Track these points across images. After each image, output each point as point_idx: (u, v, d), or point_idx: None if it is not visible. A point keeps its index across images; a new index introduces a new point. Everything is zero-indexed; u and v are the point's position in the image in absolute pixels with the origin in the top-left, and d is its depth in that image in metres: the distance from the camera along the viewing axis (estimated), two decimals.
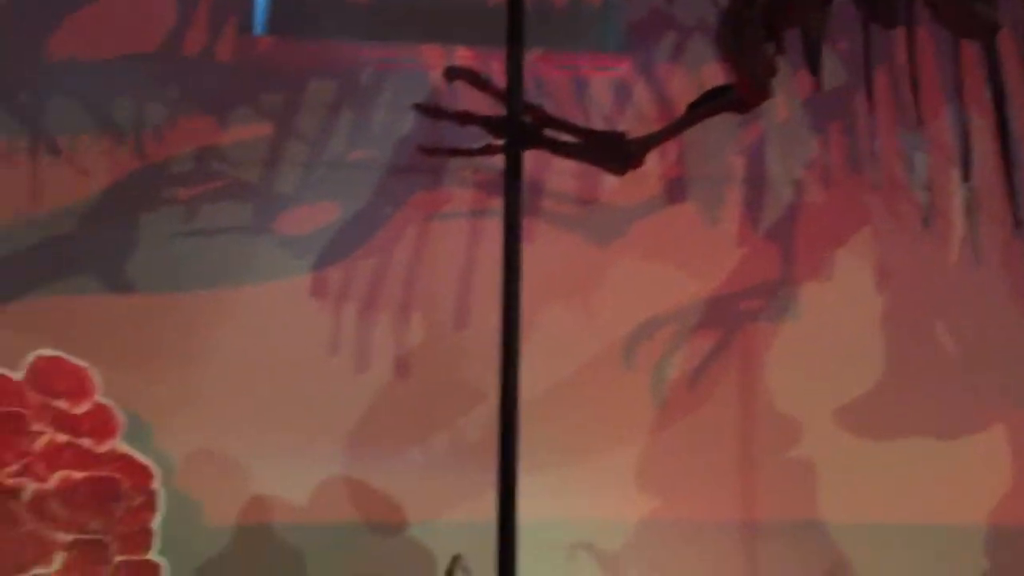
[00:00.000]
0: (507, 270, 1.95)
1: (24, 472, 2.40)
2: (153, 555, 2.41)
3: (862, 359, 2.85)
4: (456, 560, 2.51)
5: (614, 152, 2.48)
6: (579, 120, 2.87)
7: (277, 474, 2.76)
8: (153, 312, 2.78)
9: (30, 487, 2.39)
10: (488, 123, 2.42)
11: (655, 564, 2.77)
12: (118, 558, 2.39)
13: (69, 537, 2.39)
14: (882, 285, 2.91)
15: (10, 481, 2.39)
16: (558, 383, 2.86)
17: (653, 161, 2.89)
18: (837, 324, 2.87)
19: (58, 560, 2.38)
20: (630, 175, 2.67)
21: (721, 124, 2.87)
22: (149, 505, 2.42)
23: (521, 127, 2.13)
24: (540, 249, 2.89)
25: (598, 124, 2.92)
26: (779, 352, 2.88)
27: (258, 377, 2.80)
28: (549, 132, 2.47)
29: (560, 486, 2.80)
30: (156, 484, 2.45)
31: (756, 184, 2.94)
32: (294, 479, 2.77)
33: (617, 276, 2.90)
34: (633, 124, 2.90)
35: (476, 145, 2.54)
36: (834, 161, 2.96)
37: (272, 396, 2.79)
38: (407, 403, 2.84)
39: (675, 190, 2.93)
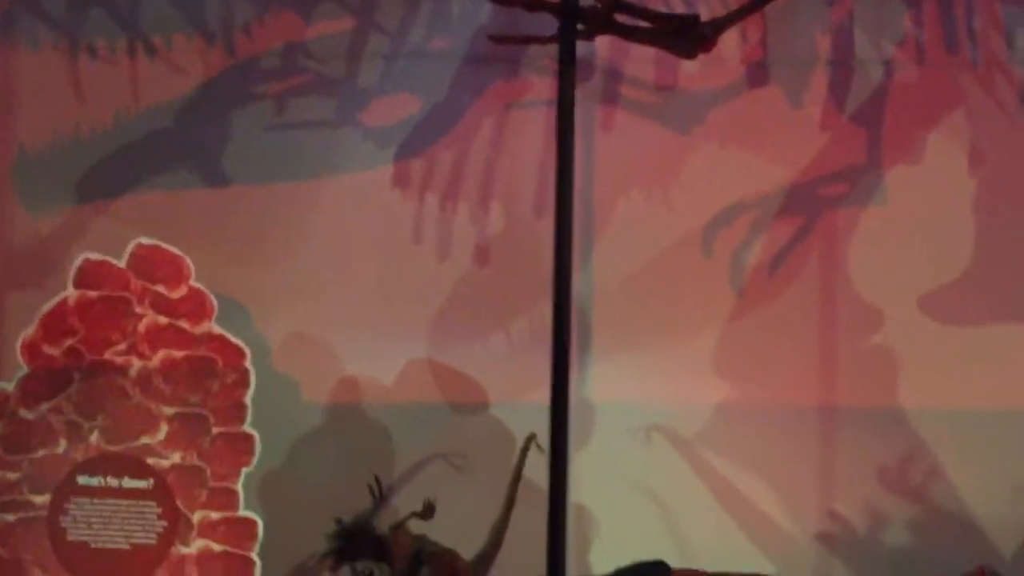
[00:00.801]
0: (561, 158, 1.97)
1: (130, 351, 2.60)
2: (247, 427, 2.60)
3: (950, 245, 2.77)
4: (531, 438, 2.62)
5: (685, 35, 2.44)
6: (659, 4, 2.83)
7: (366, 357, 2.91)
8: (246, 203, 2.93)
9: (136, 364, 2.60)
10: (554, 9, 2.41)
11: (730, 448, 2.81)
12: (216, 429, 2.59)
13: (172, 410, 2.60)
14: (975, 169, 2.80)
15: (119, 359, 2.60)
16: (637, 270, 2.89)
17: (734, 44, 2.84)
18: (925, 209, 2.79)
19: (163, 431, 2.59)
20: (710, 59, 2.63)
21: (808, 3, 2.79)
22: (242, 382, 2.60)
23: (580, 12, 2.12)
24: (618, 137, 2.90)
25: (679, 7, 2.86)
26: (863, 238, 2.82)
27: (345, 265, 2.93)
28: (619, 16, 2.45)
29: (638, 370, 2.86)
30: (248, 363, 2.62)
31: (843, 65, 2.84)
32: (382, 361, 2.91)
33: (696, 163, 2.88)
34: (716, 7, 2.83)
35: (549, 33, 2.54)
36: (928, 38, 2.82)
37: (359, 283, 2.92)
38: (488, 290, 2.92)
39: (757, 74, 2.86)
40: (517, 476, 2.63)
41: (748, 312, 2.85)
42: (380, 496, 2.40)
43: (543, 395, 2.74)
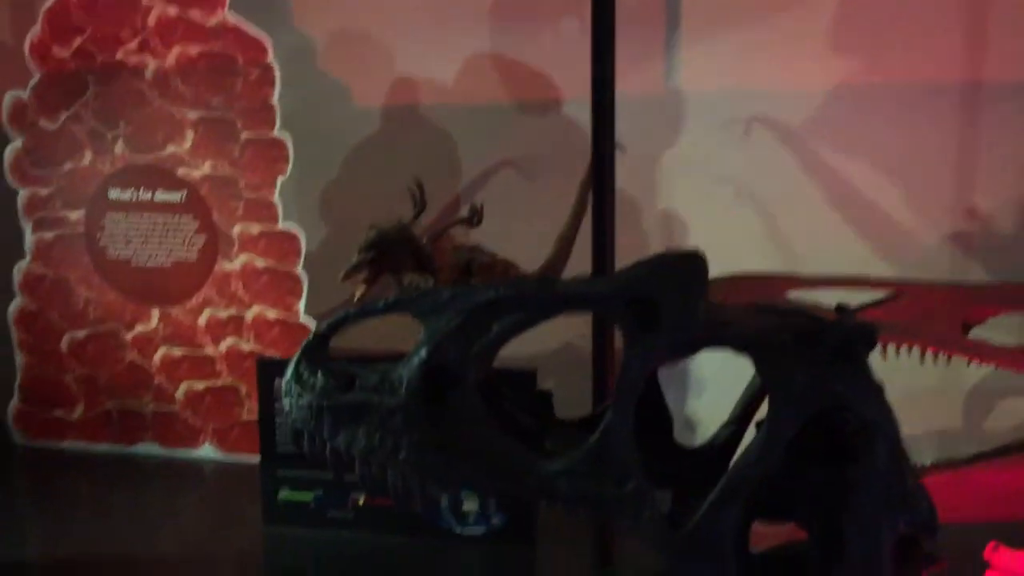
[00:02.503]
0: None
1: (142, 49, 2.34)
2: (277, 132, 2.33)
3: None
4: None
5: None
6: None
7: (421, 53, 2.56)
8: None
9: (151, 64, 2.34)
10: None
11: (847, 138, 2.35)
12: (244, 135, 2.34)
13: (195, 114, 2.35)
14: None
15: (132, 59, 2.34)
16: None
17: None
18: None
19: (189, 138, 2.36)
20: None
21: None
22: (267, 80, 2.31)
23: None
24: None
25: None
26: None
27: None
28: None
29: (735, 52, 2.39)
30: (270, 57, 2.32)
31: None
32: (439, 58, 2.55)
33: None
34: None
35: None
36: None
37: None
38: None
39: None
40: (589, 180, 2.29)
41: None
42: (422, 203, 2.12)
43: (628, 84, 2.34)
